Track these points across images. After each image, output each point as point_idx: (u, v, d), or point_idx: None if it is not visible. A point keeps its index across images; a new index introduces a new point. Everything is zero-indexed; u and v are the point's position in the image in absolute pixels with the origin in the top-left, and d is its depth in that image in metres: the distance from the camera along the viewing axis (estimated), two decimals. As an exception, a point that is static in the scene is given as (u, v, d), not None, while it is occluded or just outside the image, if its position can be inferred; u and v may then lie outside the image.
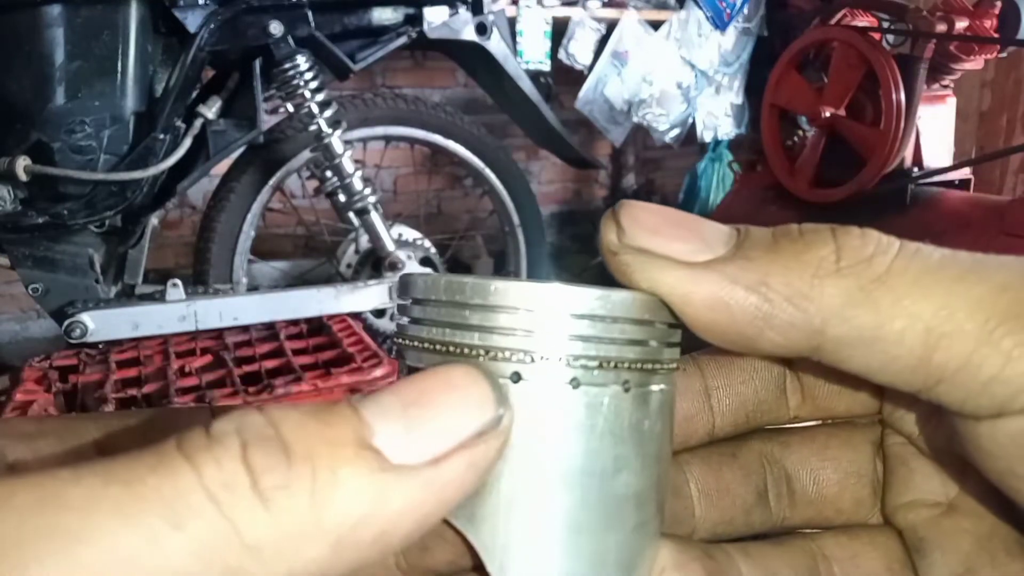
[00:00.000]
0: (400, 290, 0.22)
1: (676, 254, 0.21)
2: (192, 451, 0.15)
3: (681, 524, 0.25)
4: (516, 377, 0.19)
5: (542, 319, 0.20)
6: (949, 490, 0.25)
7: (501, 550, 0.19)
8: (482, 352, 0.20)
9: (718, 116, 3.42)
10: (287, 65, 1.52)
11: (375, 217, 1.71)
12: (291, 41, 1.51)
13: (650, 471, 0.21)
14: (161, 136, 1.45)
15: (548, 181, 3.81)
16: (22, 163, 1.34)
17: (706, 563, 0.22)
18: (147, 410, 0.25)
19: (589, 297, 0.20)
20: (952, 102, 2.27)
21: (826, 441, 0.27)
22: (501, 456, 0.18)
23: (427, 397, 0.17)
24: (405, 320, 0.22)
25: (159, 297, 1.53)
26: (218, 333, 1.51)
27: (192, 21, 1.45)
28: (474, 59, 1.79)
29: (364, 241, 1.91)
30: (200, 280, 1.86)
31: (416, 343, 0.21)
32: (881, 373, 0.20)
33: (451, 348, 0.20)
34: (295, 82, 1.53)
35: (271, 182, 1.88)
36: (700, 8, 3.21)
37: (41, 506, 0.14)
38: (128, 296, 1.65)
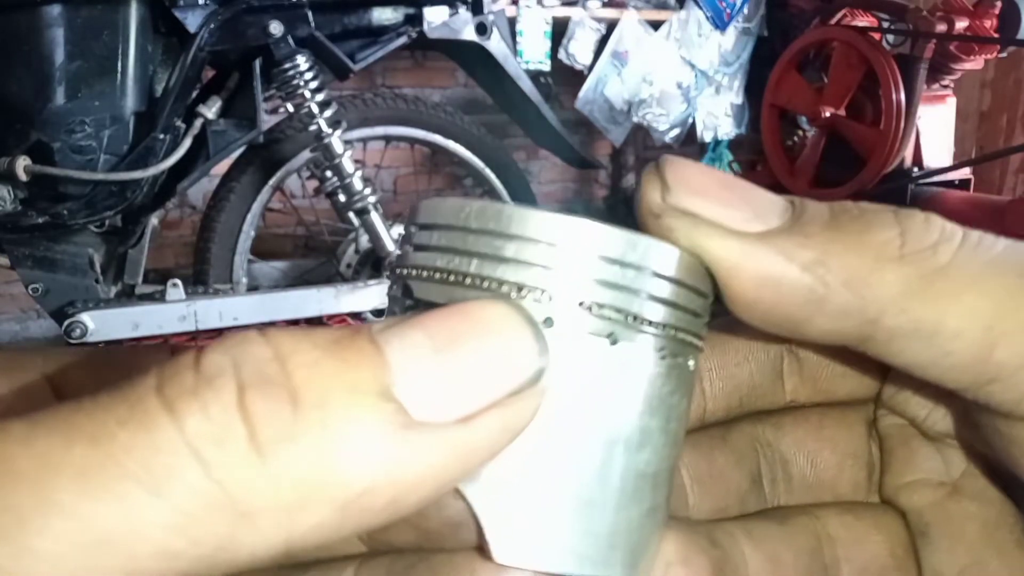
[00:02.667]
0: (411, 216, 0.19)
1: (727, 221, 0.19)
2: (175, 396, 0.13)
3: (675, 511, 0.24)
4: (549, 323, 0.17)
5: (585, 262, 0.17)
6: (952, 470, 0.24)
7: (504, 519, 0.17)
8: (513, 288, 0.17)
9: (718, 116, 3.42)
10: (287, 65, 1.52)
11: (375, 217, 1.71)
12: (291, 41, 1.51)
13: (670, 451, 0.19)
14: (161, 136, 1.45)
15: (548, 181, 3.81)
16: (22, 163, 1.34)
17: (712, 554, 0.21)
18: (101, 348, 0.23)
19: (618, 238, 0.18)
20: (952, 102, 2.27)
21: (820, 422, 0.26)
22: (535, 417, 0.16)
23: (461, 341, 0.15)
24: (414, 246, 0.19)
25: (159, 297, 1.53)
26: (218, 333, 1.51)
27: (192, 21, 1.45)
28: (474, 59, 1.79)
29: (364, 241, 1.90)
30: (200, 280, 1.86)
31: (429, 273, 0.18)
32: (932, 368, 0.19)
33: (476, 281, 0.17)
34: (295, 82, 1.53)
35: (271, 182, 1.88)
36: (700, 8, 3.21)
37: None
38: (128, 296, 1.65)
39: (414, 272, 0.18)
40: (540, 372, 0.16)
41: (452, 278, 0.17)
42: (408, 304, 0.18)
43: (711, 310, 0.20)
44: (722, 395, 0.24)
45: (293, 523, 0.13)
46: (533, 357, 0.16)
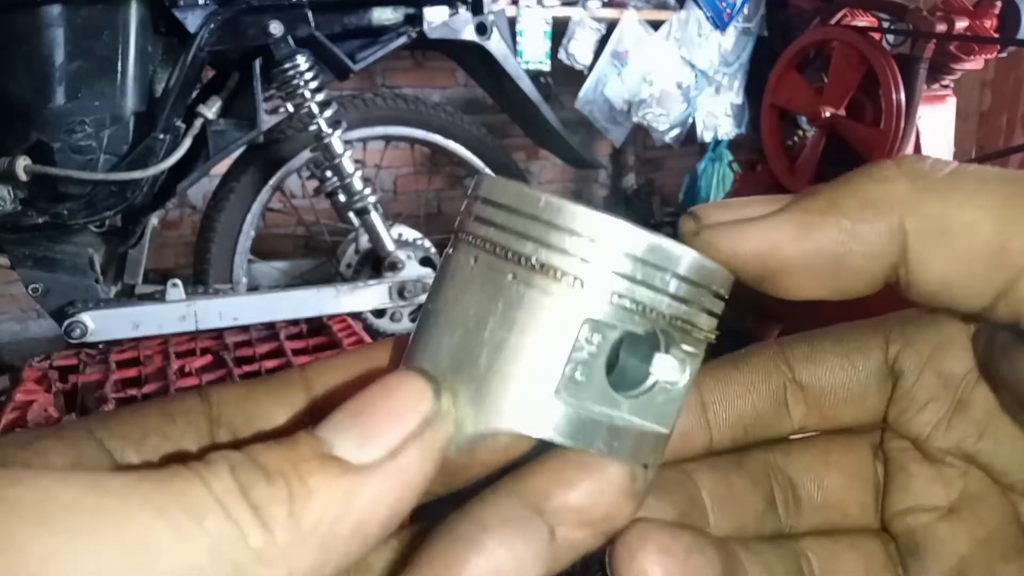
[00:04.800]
0: (475, 188, 0.23)
1: (750, 214, 0.22)
2: (196, 469, 0.17)
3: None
4: (580, 305, 0.20)
5: (617, 259, 0.20)
6: (950, 493, 0.25)
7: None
8: (543, 268, 0.20)
9: (718, 116, 3.42)
10: (287, 65, 1.52)
11: (375, 217, 1.71)
12: (291, 41, 1.51)
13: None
14: (161, 136, 1.45)
15: (548, 181, 3.81)
16: (22, 163, 1.34)
17: (720, 551, 0.23)
18: (139, 404, 0.26)
19: (653, 242, 0.20)
20: (952, 102, 2.27)
21: (826, 447, 0.27)
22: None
23: (371, 405, 0.19)
24: (476, 218, 0.22)
25: (159, 297, 1.53)
26: (218, 333, 1.51)
27: (192, 21, 1.45)
28: (474, 59, 1.79)
29: (364, 241, 1.90)
30: (200, 280, 1.86)
31: (479, 242, 0.21)
32: (962, 276, 0.20)
33: (523, 261, 0.20)
34: (295, 82, 1.53)
35: (271, 182, 1.88)
36: (700, 8, 3.21)
37: (91, 488, 0.15)
38: (128, 296, 1.65)
39: (479, 242, 0.21)
40: (438, 407, 0.20)
41: (511, 255, 0.20)
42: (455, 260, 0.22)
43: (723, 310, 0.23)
44: (727, 426, 0.26)
45: (289, 559, 0.17)
46: (428, 397, 0.20)
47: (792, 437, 0.27)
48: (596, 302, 0.20)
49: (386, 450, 0.19)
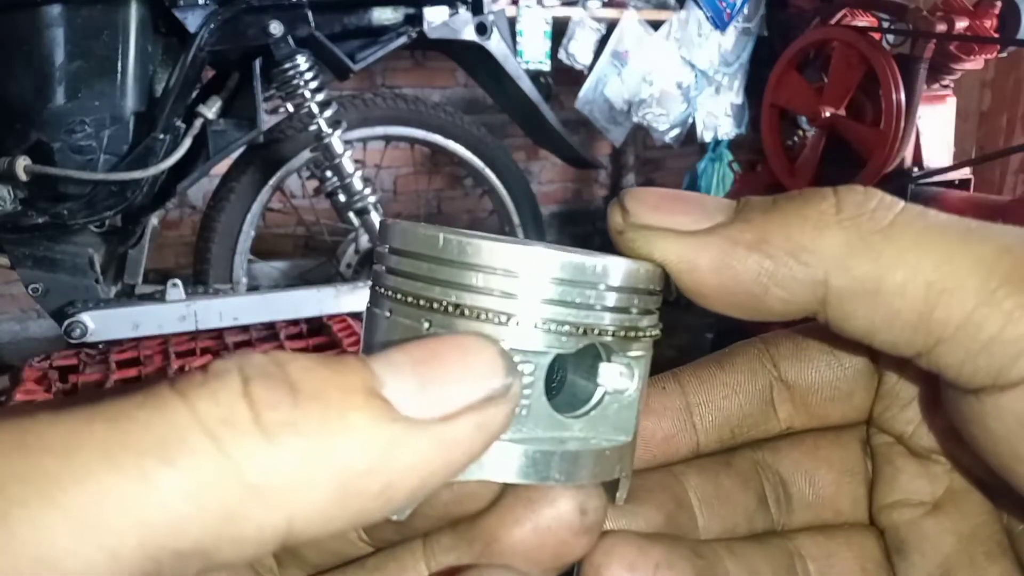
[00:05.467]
0: (383, 235, 0.21)
1: (678, 225, 0.21)
2: (186, 388, 0.14)
3: (686, 534, 0.25)
4: (510, 340, 0.19)
5: (538, 286, 0.19)
6: (936, 488, 0.25)
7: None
8: (477, 313, 0.19)
9: (718, 116, 3.42)
10: (287, 65, 1.52)
11: (375, 217, 1.71)
12: (291, 41, 1.51)
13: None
14: (161, 136, 1.45)
15: (548, 181, 3.81)
16: (22, 163, 1.34)
17: (695, 562, 0.23)
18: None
19: (568, 262, 0.20)
20: (952, 102, 2.27)
21: (815, 443, 0.27)
22: (509, 424, 0.18)
23: (439, 358, 0.17)
24: (388, 269, 0.21)
25: (159, 297, 1.53)
26: (218, 333, 1.51)
27: (192, 21, 1.45)
28: (474, 59, 1.79)
29: (364, 241, 1.90)
30: (200, 280, 1.86)
31: (391, 293, 0.20)
32: (884, 331, 0.20)
33: (442, 307, 0.19)
34: (295, 82, 1.53)
35: (271, 182, 1.88)
36: (700, 8, 3.21)
37: (21, 449, 0.13)
38: (128, 296, 1.65)
39: (392, 293, 0.20)
40: (508, 385, 0.17)
41: (423, 303, 0.19)
42: (374, 319, 0.21)
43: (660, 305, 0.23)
44: (713, 428, 0.25)
45: (296, 501, 0.14)
46: (500, 372, 0.17)
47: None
48: (525, 334, 0.19)
49: (441, 412, 0.16)
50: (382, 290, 0.21)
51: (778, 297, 0.21)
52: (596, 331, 0.20)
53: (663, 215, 0.22)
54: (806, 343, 0.26)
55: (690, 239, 0.21)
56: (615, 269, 0.20)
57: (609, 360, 0.21)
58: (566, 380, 0.22)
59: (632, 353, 0.21)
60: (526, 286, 0.19)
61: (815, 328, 0.26)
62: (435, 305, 0.19)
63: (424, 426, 0.16)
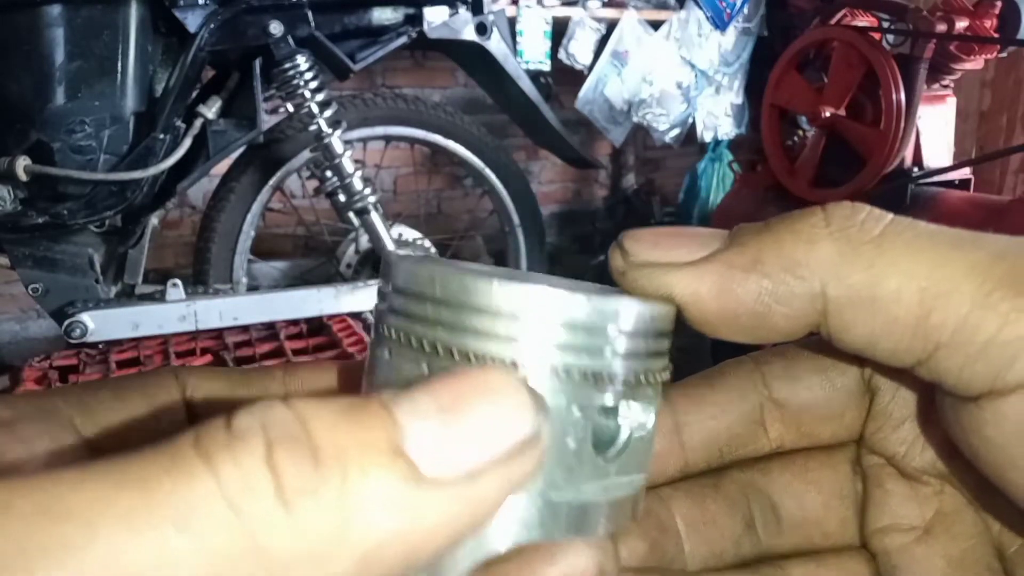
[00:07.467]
0: (386, 272, 0.21)
1: (677, 258, 0.22)
2: (211, 450, 0.14)
3: (671, 560, 0.25)
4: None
5: (545, 330, 0.18)
6: (926, 511, 0.25)
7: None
8: (482, 359, 0.18)
9: (718, 116, 3.42)
10: (287, 65, 1.52)
11: (375, 217, 1.71)
12: (291, 41, 1.51)
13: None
14: (161, 136, 1.44)
15: (548, 181, 3.81)
16: (22, 163, 1.34)
17: None
18: (113, 379, 0.24)
19: (578, 305, 0.19)
20: (952, 102, 2.27)
21: (805, 464, 0.26)
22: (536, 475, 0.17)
23: (464, 402, 0.16)
24: (390, 308, 0.20)
25: (159, 297, 1.53)
26: (218, 333, 1.51)
27: (192, 21, 1.45)
28: (474, 59, 1.79)
29: (364, 241, 1.90)
30: (200, 280, 1.86)
31: (392, 334, 0.20)
32: (884, 340, 0.20)
33: (446, 352, 0.18)
34: (295, 82, 1.53)
35: (271, 182, 1.88)
36: (700, 8, 3.21)
37: (44, 514, 0.12)
38: (128, 296, 1.65)
39: (392, 334, 0.20)
40: (538, 431, 0.16)
41: (426, 347, 0.19)
42: (378, 360, 0.20)
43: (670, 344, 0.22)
44: (701, 447, 0.25)
45: (315, 570, 0.14)
46: (530, 416, 0.16)
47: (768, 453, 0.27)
48: (534, 382, 0.18)
49: (467, 468, 0.15)
50: (384, 329, 0.20)
51: (781, 314, 0.21)
52: (616, 377, 0.19)
53: (661, 251, 0.22)
54: (797, 361, 0.26)
55: (689, 269, 0.22)
56: (630, 312, 0.20)
57: (631, 400, 0.20)
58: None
59: (648, 392, 0.21)
60: (532, 331, 0.18)
61: (806, 345, 0.26)
62: (438, 349, 0.18)
63: (448, 486, 0.15)
